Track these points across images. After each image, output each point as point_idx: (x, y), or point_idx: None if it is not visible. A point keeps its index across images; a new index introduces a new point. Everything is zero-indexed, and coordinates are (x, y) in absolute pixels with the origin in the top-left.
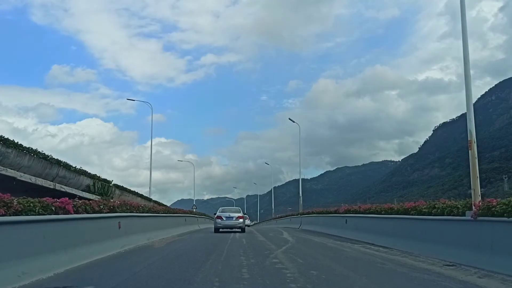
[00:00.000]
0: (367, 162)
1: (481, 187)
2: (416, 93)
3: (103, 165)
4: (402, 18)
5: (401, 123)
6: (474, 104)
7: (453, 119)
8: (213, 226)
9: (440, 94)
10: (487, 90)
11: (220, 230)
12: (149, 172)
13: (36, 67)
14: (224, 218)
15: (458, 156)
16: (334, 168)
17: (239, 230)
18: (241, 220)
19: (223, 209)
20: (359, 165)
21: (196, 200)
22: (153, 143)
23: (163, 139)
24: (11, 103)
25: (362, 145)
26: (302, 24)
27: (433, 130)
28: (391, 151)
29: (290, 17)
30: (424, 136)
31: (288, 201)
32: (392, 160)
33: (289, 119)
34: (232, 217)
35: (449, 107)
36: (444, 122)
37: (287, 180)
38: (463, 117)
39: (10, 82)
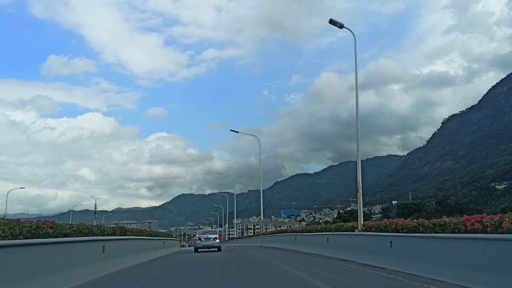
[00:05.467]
0: (371, 157)
1: (504, 180)
2: (420, 87)
3: (103, 159)
4: (406, 12)
5: (404, 118)
6: (484, 96)
7: (463, 111)
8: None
9: (444, 87)
10: (498, 81)
11: (199, 250)
12: (150, 166)
13: (37, 61)
14: (203, 239)
15: (472, 149)
16: (338, 162)
17: (216, 249)
18: (217, 240)
19: (201, 231)
20: (363, 160)
21: (197, 194)
22: (153, 138)
23: (164, 134)
24: (11, 96)
25: (364, 141)
26: (305, 17)
27: (442, 123)
28: (394, 147)
29: (293, 9)
30: (426, 131)
31: (291, 195)
32: (397, 154)
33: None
34: (210, 238)
35: (453, 101)
36: (453, 114)
37: (289, 175)
38: (473, 108)
39: (11, 76)
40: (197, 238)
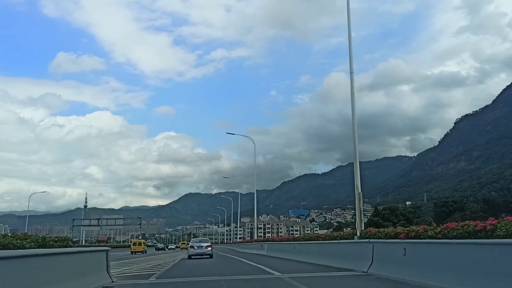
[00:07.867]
0: (381, 158)
1: None
2: (430, 88)
3: (111, 158)
4: (417, 12)
5: (413, 119)
6: (498, 96)
7: (476, 111)
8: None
9: (455, 88)
10: None
11: (192, 257)
12: (158, 165)
13: (47, 60)
14: (196, 247)
15: (487, 149)
16: (346, 163)
17: (208, 256)
18: (209, 248)
19: (195, 240)
20: (372, 160)
21: (204, 194)
22: (161, 137)
23: (172, 133)
24: (21, 94)
25: (373, 142)
26: (314, 16)
27: (454, 123)
28: (402, 148)
29: (302, 8)
30: (436, 132)
31: (299, 196)
32: (407, 155)
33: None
34: (202, 246)
35: (464, 103)
36: (466, 115)
37: (297, 175)
38: (487, 108)
39: (20, 74)
40: (191, 246)
